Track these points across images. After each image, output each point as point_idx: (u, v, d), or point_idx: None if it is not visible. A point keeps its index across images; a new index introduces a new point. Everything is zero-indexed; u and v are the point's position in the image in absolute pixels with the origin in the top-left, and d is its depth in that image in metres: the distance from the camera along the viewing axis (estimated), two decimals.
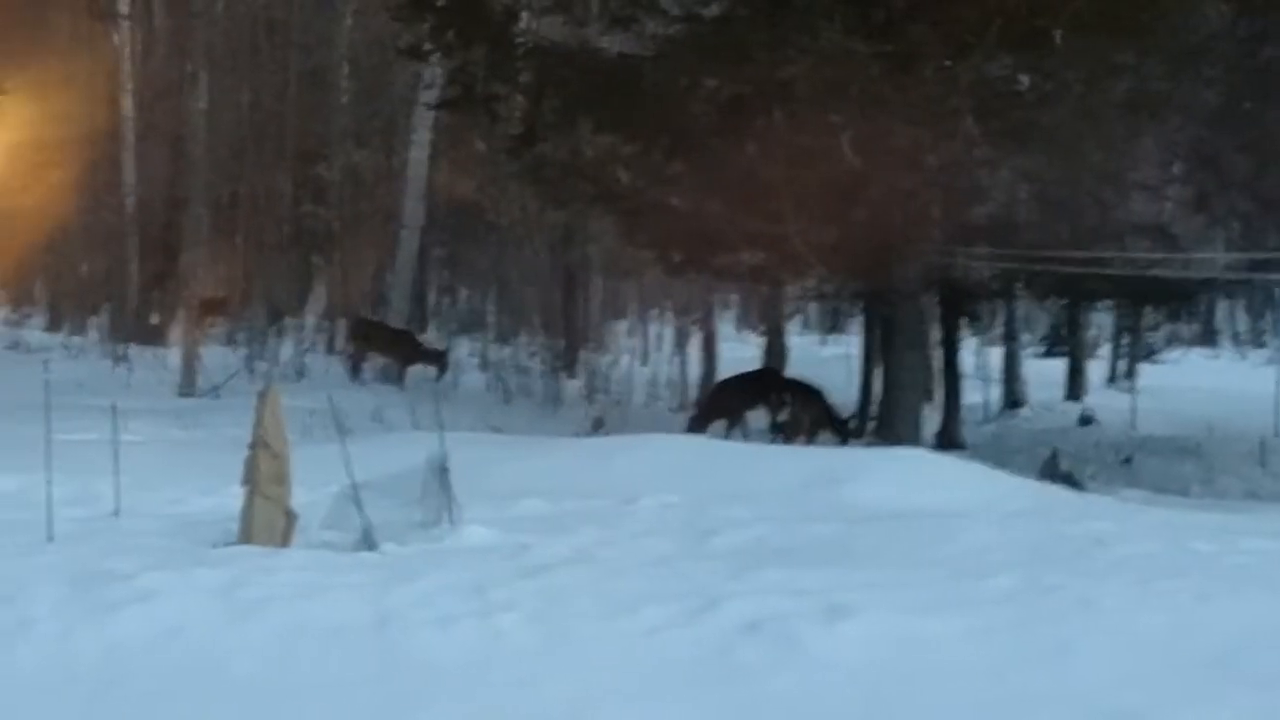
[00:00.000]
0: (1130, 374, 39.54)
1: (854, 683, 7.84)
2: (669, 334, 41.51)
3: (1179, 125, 21.97)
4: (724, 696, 7.70)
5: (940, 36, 20.49)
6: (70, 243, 35.62)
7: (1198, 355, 51.49)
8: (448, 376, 31.56)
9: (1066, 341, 40.75)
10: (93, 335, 36.77)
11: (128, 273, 36.82)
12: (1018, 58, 21.96)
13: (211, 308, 37.15)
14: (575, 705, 7.60)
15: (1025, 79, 22.40)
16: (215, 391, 27.56)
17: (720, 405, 27.26)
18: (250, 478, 11.32)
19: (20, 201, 32.78)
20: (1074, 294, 28.91)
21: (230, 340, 35.97)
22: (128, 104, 36.30)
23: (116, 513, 12.68)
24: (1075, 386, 37.27)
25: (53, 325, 38.18)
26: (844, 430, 26.31)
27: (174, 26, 37.47)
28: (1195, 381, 40.62)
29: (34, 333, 36.64)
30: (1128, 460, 25.03)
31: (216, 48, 36.01)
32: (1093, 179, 22.46)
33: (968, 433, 27.75)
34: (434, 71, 30.99)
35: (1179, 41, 21.02)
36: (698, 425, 26.12)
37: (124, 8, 36.95)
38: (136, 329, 35.67)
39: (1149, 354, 45.14)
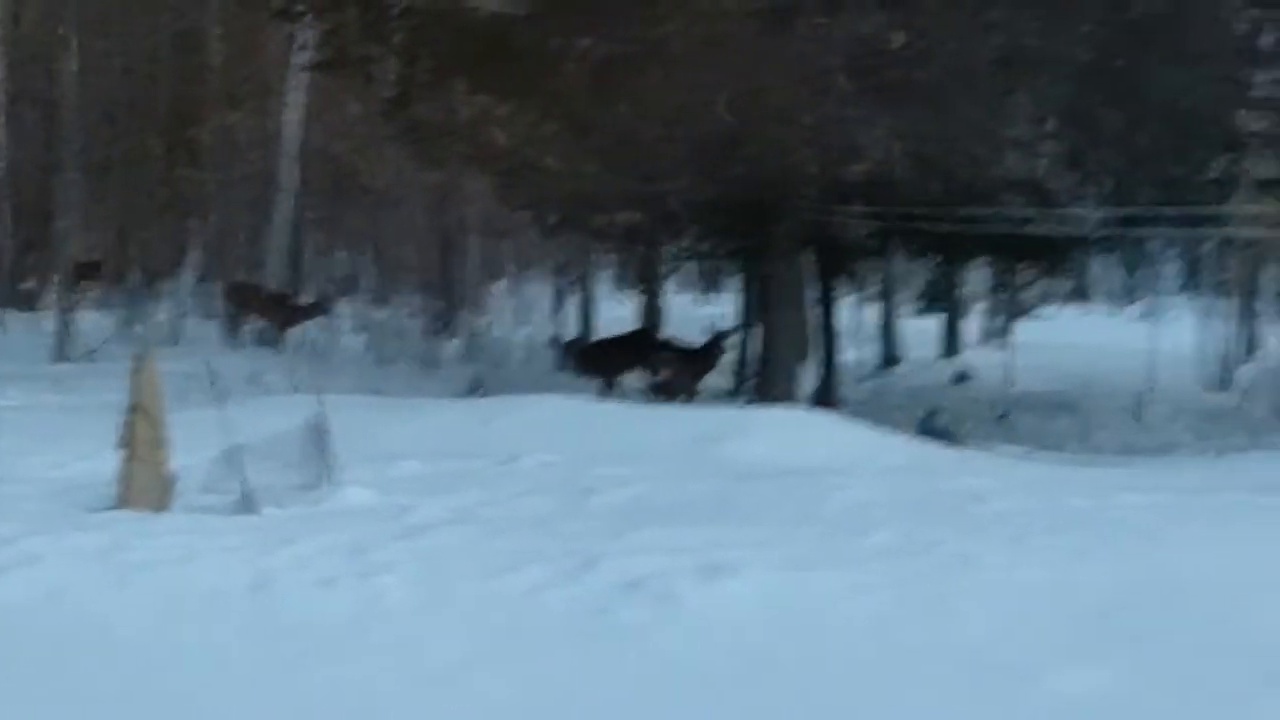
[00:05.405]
0: (1005, 331, 39.90)
1: (734, 640, 7.88)
2: (546, 294, 41.46)
3: (1051, 82, 22.05)
4: (604, 655, 7.72)
5: None
6: None
7: (1071, 311, 52.03)
8: (325, 339, 31.40)
9: (942, 299, 41.06)
10: None
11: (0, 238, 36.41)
12: (890, 15, 22.05)
13: (86, 272, 36.76)
14: (455, 665, 7.60)
15: (897, 36, 22.49)
16: (91, 356, 27.28)
17: (595, 365, 27.25)
18: (127, 442, 11.26)
19: None
20: (949, 251, 29.10)
21: (105, 305, 35.61)
22: None
23: None
24: (951, 343, 37.61)
25: None
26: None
27: None
28: (1069, 338, 41.07)
29: None
30: (1004, 416, 25.27)
31: (88, 10, 35.55)
32: (967, 136, 22.55)
33: (845, 390, 27.88)
34: (307, 33, 30.74)
35: None
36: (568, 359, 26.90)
37: None
38: (10, 294, 35.27)
39: (1023, 311, 45.52)
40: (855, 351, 33.19)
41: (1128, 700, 6.96)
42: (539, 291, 42.82)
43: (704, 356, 26.63)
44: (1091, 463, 18.58)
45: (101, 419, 13.23)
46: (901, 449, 15.98)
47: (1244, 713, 6.76)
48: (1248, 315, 35.50)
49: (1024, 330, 40.02)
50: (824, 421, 17.39)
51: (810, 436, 15.42)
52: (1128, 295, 57.36)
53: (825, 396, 26.46)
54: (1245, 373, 30.70)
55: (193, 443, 11.70)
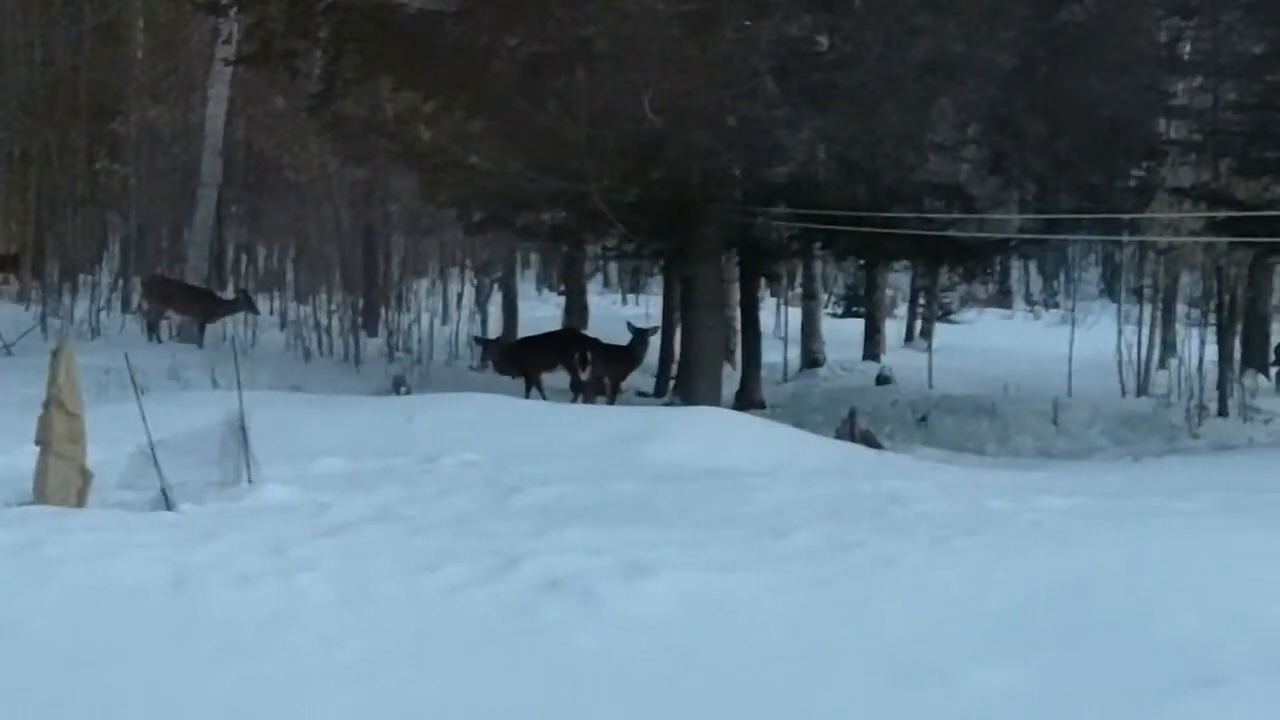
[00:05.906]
0: (926, 334, 40.11)
1: (654, 639, 7.88)
2: (469, 292, 41.36)
3: (975, 87, 22.22)
4: (524, 654, 7.71)
5: None
6: None
7: (992, 315, 52.31)
8: (246, 334, 31.27)
9: (864, 301, 41.17)
10: None
11: None
12: (816, 18, 22.15)
13: (4, 265, 36.46)
14: (374, 663, 7.57)
15: (824, 40, 22.59)
16: (8, 349, 27.06)
17: (518, 363, 27.24)
18: (44, 437, 11.17)
19: None
20: (871, 254, 29.20)
21: (23, 298, 35.33)
22: None
23: None
24: (872, 346, 37.66)
25: None
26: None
27: None
28: (990, 341, 41.26)
29: None
30: (924, 419, 25.36)
31: (7, 1, 35.28)
32: (891, 140, 22.69)
33: (767, 392, 27.96)
34: (232, 26, 30.58)
35: (975, 4, 21.29)
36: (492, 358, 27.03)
37: None
38: None
39: (945, 314, 45.78)
40: (777, 353, 33.26)
41: (1044, 700, 7.00)
42: (462, 290, 42.67)
43: (627, 356, 26.65)
44: (1010, 466, 18.72)
45: (18, 413, 13.15)
46: (822, 451, 16.07)
47: (1157, 712, 6.81)
48: (1165, 321, 35.80)
49: (945, 333, 40.28)
50: (745, 423, 17.45)
51: (732, 438, 15.47)
52: (1047, 300, 57.83)
53: (746, 398, 26.56)
54: (1162, 378, 30.92)
55: (111, 438, 11.63)
